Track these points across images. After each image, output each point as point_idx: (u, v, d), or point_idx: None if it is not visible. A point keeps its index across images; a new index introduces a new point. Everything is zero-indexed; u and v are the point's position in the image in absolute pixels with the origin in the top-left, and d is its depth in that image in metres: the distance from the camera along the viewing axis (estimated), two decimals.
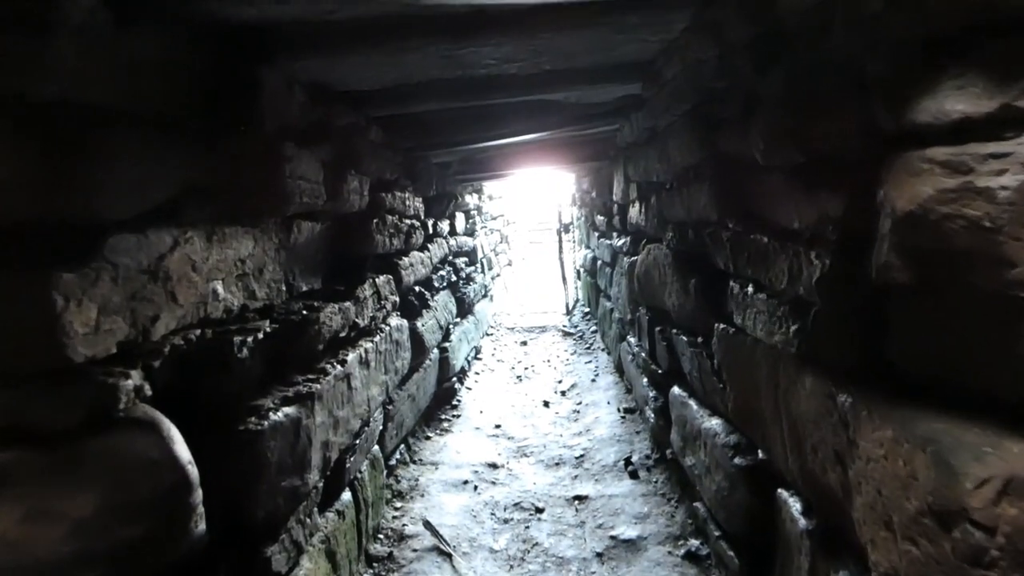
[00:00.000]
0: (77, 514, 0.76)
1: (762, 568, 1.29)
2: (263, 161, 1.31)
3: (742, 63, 1.24)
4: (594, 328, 4.50)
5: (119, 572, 0.79)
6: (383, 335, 2.08)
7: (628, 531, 1.85)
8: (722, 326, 1.46)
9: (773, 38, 1.10)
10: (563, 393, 3.24)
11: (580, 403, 3.04)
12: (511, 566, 1.74)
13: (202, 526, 0.92)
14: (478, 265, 4.57)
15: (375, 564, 1.76)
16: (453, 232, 3.86)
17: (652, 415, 2.31)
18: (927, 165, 0.70)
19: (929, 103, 0.71)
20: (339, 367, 1.62)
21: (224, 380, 1.09)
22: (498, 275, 5.97)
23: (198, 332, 1.05)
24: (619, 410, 2.81)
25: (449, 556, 1.79)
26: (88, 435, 0.77)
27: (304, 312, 1.53)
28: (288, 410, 1.28)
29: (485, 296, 4.69)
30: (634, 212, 2.78)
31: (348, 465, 1.67)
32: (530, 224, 10.17)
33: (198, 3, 1.00)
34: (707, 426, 1.59)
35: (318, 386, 1.45)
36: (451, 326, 3.33)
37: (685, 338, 1.82)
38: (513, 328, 4.85)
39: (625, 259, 3.00)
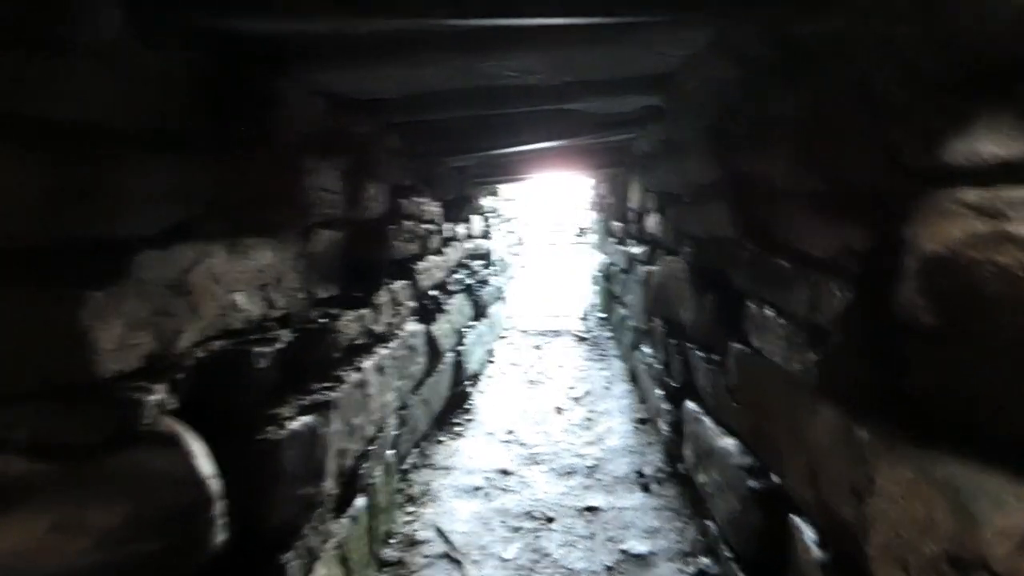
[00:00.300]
0: (102, 526, 0.78)
1: None
2: (283, 173, 1.32)
3: (763, 84, 1.23)
4: (608, 334, 4.49)
5: None
6: (399, 341, 2.09)
7: (639, 546, 1.85)
8: (738, 346, 1.45)
9: (796, 60, 1.09)
10: (576, 400, 3.24)
11: (593, 411, 3.04)
12: None
13: (221, 536, 0.94)
14: (493, 267, 4.57)
15: (386, 569, 1.77)
16: (469, 235, 3.87)
17: (665, 428, 2.30)
18: (957, 207, 0.69)
19: (960, 143, 0.70)
20: (355, 374, 1.64)
21: (242, 390, 1.11)
22: (513, 277, 5.98)
23: (219, 343, 1.07)
24: (632, 420, 2.81)
25: (459, 563, 1.80)
26: (114, 449, 0.78)
27: (321, 320, 1.54)
28: (305, 419, 1.30)
29: (500, 299, 4.70)
30: (651, 222, 2.77)
31: (362, 471, 1.69)
32: (546, 226, 10.16)
33: (221, 19, 1.01)
34: (721, 445, 1.58)
35: (335, 394, 1.46)
36: (466, 329, 3.34)
37: (700, 354, 1.81)
38: (527, 331, 4.85)
39: (641, 268, 2.99)
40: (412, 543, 1.90)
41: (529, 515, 2.06)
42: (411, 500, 2.15)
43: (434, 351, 2.59)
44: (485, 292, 3.99)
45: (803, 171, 1.08)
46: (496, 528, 2.00)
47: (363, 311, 1.78)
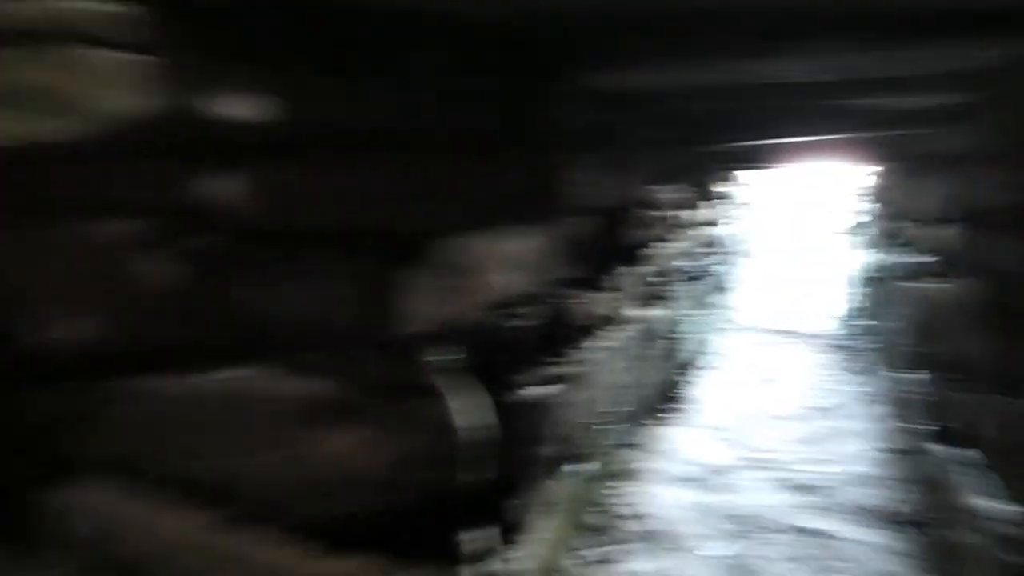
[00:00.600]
0: (396, 448, 1.02)
1: None
2: (550, 170, 1.47)
3: None
4: (864, 346, 4.03)
5: (418, 498, 1.04)
6: (625, 324, 2.18)
7: None
8: None
9: None
10: (814, 411, 3.01)
11: (833, 428, 2.80)
12: None
13: (475, 474, 1.14)
14: (729, 257, 4.38)
15: (595, 535, 1.90)
16: (708, 222, 3.76)
17: (919, 464, 2.05)
18: None
19: None
20: (590, 352, 1.78)
21: (502, 357, 1.30)
22: (753, 269, 5.64)
23: (487, 314, 1.26)
24: (880, 449, 2.53)
25: (662, 546, 1.86)
26: (412, 393, 1.01)
27: (566, 300, 1.70)
28: (549, 387, 1.47)
29: (735, 289, 4.50)
30: (941, 234, 2.42)
31: (587, 440, 1.83)
32: (796, 218, 9.28)
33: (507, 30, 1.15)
34: (992, 506, 1.39)
35: (574, 368, 1.62)
36: (694, 318, 3.29)
37: (990, 397, 1.58)
38: (765, 328, 4.58)
39: (920, 283, 2.63)
40: (618, 516, 2.01)
41: (742, 520, 2.02)
42: (621, 476, 2.25)
43: (657, 337, 2.63)
44: (718, 281, 3.86)
45: None
46: (704, 524, 2.00)
47: (601, 293, 1.90)
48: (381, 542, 1.10)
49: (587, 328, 1.82)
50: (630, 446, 2.42)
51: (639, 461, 2.38)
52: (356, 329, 0.99)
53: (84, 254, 1.14)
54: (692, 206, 3.26)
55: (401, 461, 1.02)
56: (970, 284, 1.79)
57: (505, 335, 1.29)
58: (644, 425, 2.62)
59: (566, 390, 1.54)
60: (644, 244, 2.45)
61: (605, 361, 1.90)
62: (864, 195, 5.18)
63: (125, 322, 1.18)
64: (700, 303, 3.40)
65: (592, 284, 1.87)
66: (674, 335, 2.83)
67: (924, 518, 1.91)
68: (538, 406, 1.38)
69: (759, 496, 2.18)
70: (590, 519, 1.95)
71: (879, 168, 3.69)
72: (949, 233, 2.29)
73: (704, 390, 3.21)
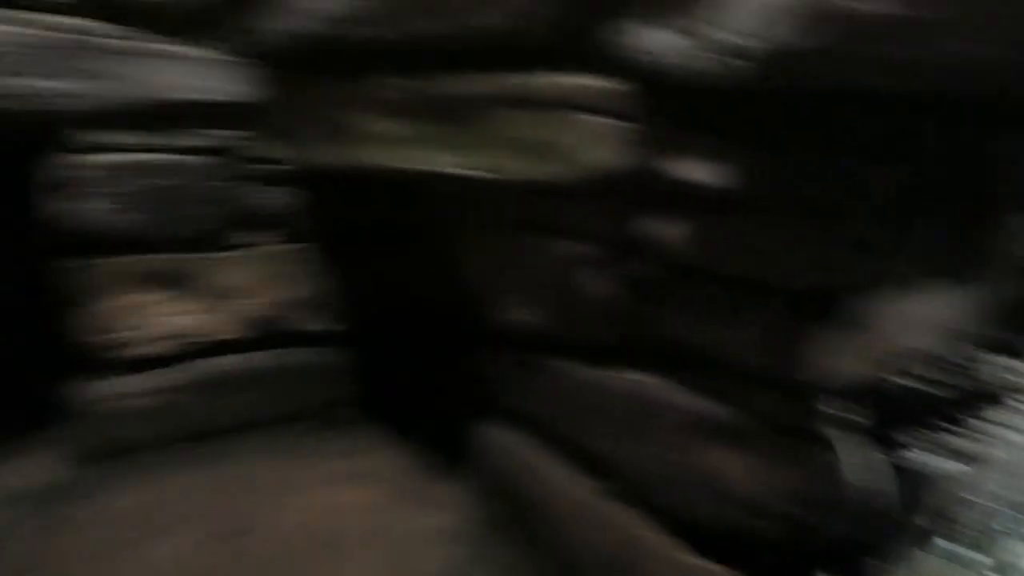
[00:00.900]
0: (781, 483, 1.11)
1: None
2: (989, 226, 1.31)
3: None
4: None
5: (784, 531, 1.11)
6: None
7: None
8: None
9: None
10: None
11: None
12: None
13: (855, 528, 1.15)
14: None
15: None
16: None
17: None
18: None
19: None
20: (998, 427, 1.54)
21: (898, 418, 1.25)
22: None
23: (892, 374, 1.23)
24: None
25: None
26: (807, 437, 1.08)
27: (982, 366, 1.50)
28: (943, 456, 1.36)
29: None
30: None
31: (973, 523, 1.61)
32: None
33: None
34: None
35: (975, 440, 1.45)
36: None
37: None
38: None
39: None
40: None
41: None
42: (1006, 571, 1.89)
43: None
44: None
45: None
46: None
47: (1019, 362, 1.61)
48: (737, 560, 1.21)
49: (1000, 399, 1.57)
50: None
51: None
52: (759, 368, 1.09)
53: (543, 263, 1.47)
54: None
55: (780, 493, 1.10)
56: None
57: (907, 397, 1.23)
58: None
59: (962, 463, 1.39)
60: None
61: (1014, 439, 1.62)
62: None
63: (564, 318, 1.48)
64: None
65: (1016, 351, 1.60)
66: None
67: None
68: (927, 474, 1.29)
69: None
70: None
71: None
72: None
73: None
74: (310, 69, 1.76)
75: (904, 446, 1.26)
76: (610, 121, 1.15)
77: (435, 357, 2.28)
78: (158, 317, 1.92)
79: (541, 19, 1.19)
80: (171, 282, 1.93)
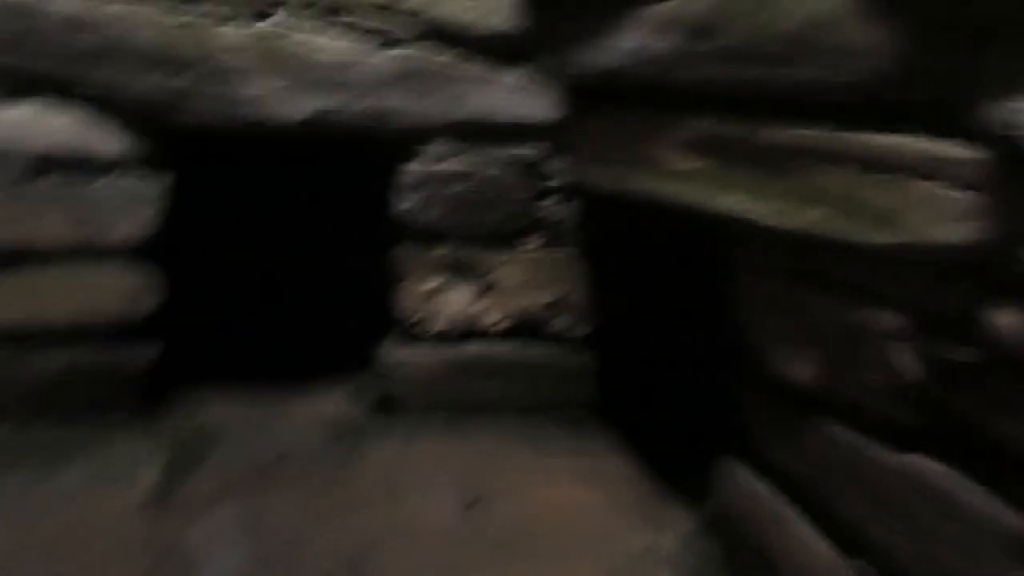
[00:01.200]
0: None
1: None
2: None
3: None
4: None
5: None
6: None
7: None
8: None
9: None
10: None
11: None
12: None
13: None
14: None
15: None
16: None
17: None
18: None
19: None
20: None
21: None
22: None
23: None
24: None
25: None
26: None
27: None
28: None
29: None
30: None
31: None
32: None
33: None
34: None
35: None
36: None
37: None
38: None
39: None
40: None
41: None
42: None
43: None
44: None
45: None
46: None
47: None
48: None
49: None
50: None
51: None
52: None
53: (837, 324, 1.43)
54: None
55: None
56: None
57: None
58: None
59: None
60: None
61: None
62: None
63: (846, 382, 1.44)
64: None
65: None
66: None
67: None
68: None
69: None
70: None
71: None
72: None
73: None
74: (614, 100, 1.91)
75: None
76: (957, 192, 1.09)
77: (681, 379, 2.33)
78: (447, 300, 2.26)
79: (891, 78, 1.17)
80: (461, 272, 2.25)
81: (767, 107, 1.42)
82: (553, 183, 2.26)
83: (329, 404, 2.51)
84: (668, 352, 2.41)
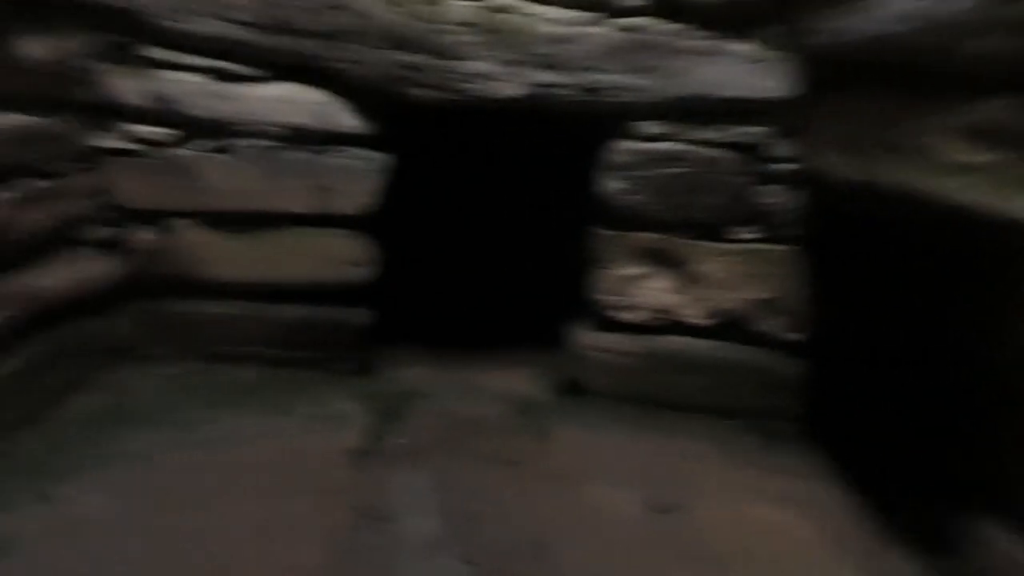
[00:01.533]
0: None
1: None
2: None
3: None
4: None
5: None
6: None
7: None
8: None
9: None
10: None
11: None
12: None
13: None
14: None
15: None
16: None
17: None
18: None
19: None
20: None
21: None
22: None
23: None
24: None
25: None
26: None
27: None
28: None
29: None
30: None
31: None
32: None
33: None
34: None
35: None
36: None
37: None
38: None
39: None
40: None
41: None
42: None
43: None
44: None
45: None
46: None
47: None
48: None
49: None
50: None
51: None
52: None
53: None
54: None
55: None
56: None
57: None
58: None
59: None
60: None
61: None
62: None
63: None
64: None
65: None
66: None
67: None
68: None
69: None
70: None
71: None
72: None
73: None
74: (868, 74, 1.63)
75: None
76: None
77: (911, 403, 2.00)
78: (646, 289, 2.14)
79: None
80: (664, 261, 2.12)
81: None
82: (778, 168, 2.02)
83: (516, 379, 2.54)
84: (897, 371, 2.07)
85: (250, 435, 1.91)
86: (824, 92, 1.85)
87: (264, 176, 2.10)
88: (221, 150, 2.09)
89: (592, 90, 1.99)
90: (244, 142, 2.07)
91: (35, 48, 1.73)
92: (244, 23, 1.94)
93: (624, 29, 1.98)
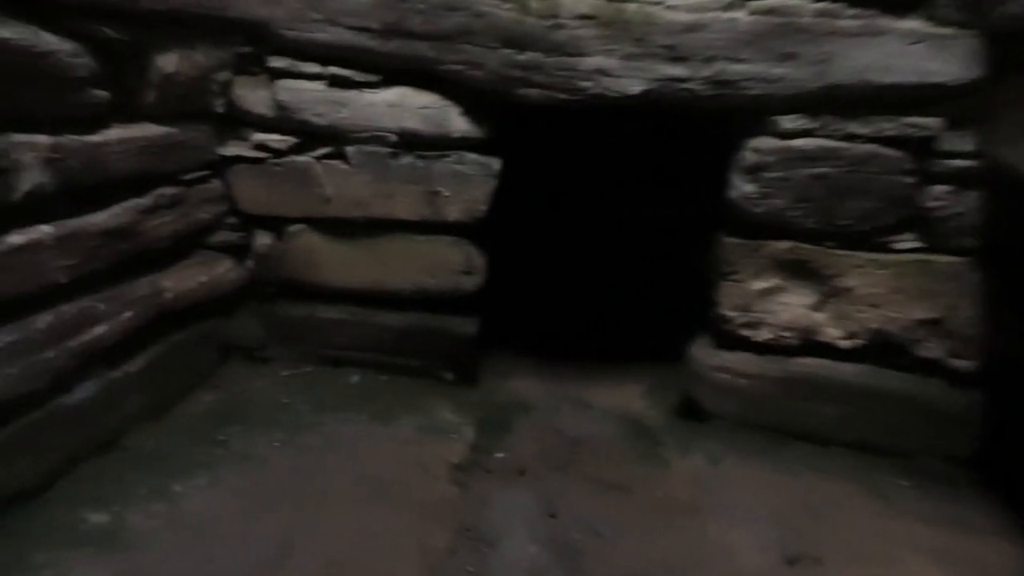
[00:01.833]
0: None
1: None
2: None
3: None
4: None
5: None
6: None
7: None
8: None
9: None
10: None
11: None
12: None
13: None
14: None
15: None
16: None
17: None
18: None
19: None
20: None
21: None
22: None
23: None
24: None
25: None
26: None
27: None
28: None
29: None
30: None
31: None
32: None
33: None
34: None
35: None
36: None
37: None
38: None
39: None
40: None
41: None
42: None
43: None
44: None
45: None
46: None
47: None
48: None
49: None
50: None
51: None
52: None
53: None
54: None
55: None
56: None
57: None
58: None
59: None
60: None
61: None
62: None
63: None
64: None
65: None
66: None
67: None
68: None
69: None
70: None
71: None
72: None
73: None
74: None
75: None
76: None
77: None
78: (780, 304, 1.90)
79: None
80: (802, 273, 1.87)
81: None
82: (947, 165, 1.72)
83: (629, 397, 2.37)
84: None
85: (356, 441, 1.90)
86: (1011, 73, 1.54)
87: (376, 182, 2.09)
88: (336, 156, 2.10)
89: (723, 83, 1.78)
90: (357, 148, 2.06)
91: (172, 63, 1.81)
92: (358, 28, 1.92)
93: (760, 12, 1.76)
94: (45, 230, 1.51)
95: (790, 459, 1.91)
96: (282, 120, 2.05)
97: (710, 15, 1.77)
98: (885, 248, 1.81)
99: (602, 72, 1.84)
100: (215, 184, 2.13)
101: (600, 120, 2.20)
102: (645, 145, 2.78)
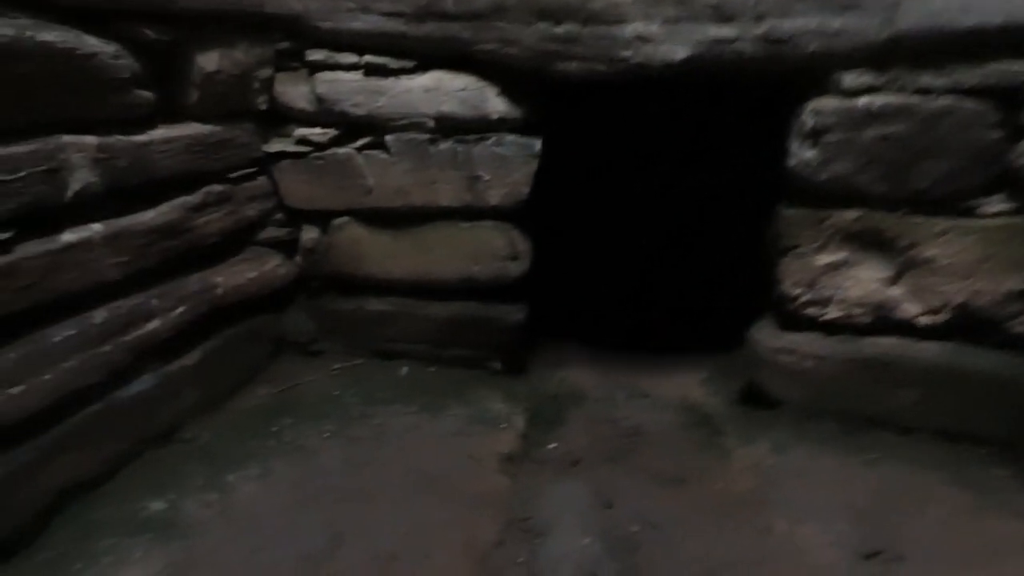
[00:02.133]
0: None
1: None
2: None
3: None
4: None
5: None
6: None
7: None
8: None
9: None
10: None
11: None
12: None
13: None
14: None
15: None
16: None
17: None
18: None
19: None
20: None
21: None
22: None
23: None
24: None
25: None
26: None
27: None
28: None
29: None
30: None
31: None
32: None
33: None
34: None
35: None
36: None
37: None
38: None
39: None
40: None
41: None
42: None
43: None
44: None
45: None
46: None
47: None
48: None
49: None
50: None
51: None
52: None
53: None
54: None
55: None
56: None
57: None
58: None
59: None
60: None
61: None
62: None
63: None
64: None
65: None
66: None
67: None
68: None
69: None
70: None
71: None
72: None
73: None
74: None
75: None
76: None
77: None
78: (850, 280, 1.75)
79: None
80: (873, 244, 1.71)
81: None
82: None
83: (686, 385, 2.26)
84: None
85: (405, 433, 1.88)
86: None
87: (416, 170, 2.06)
88: (375, 146, 2.08)
89: (776, 41, 1.64)
90: (396, 136, 2.04)
91: (213, 62, 1.84)
92: (391, 13, 1.89)
93: None
94: (96, 228, 1.55)
95: (866, 447, 1.75)
96: (322, 113, 2.05)
97: None
98: (970, 213, 1.63)
99: (643, 39, 1.73)
100: (261, 181, 2.16)
101: (656, 90, 2.07)
102: (697, 115, 2.64)
